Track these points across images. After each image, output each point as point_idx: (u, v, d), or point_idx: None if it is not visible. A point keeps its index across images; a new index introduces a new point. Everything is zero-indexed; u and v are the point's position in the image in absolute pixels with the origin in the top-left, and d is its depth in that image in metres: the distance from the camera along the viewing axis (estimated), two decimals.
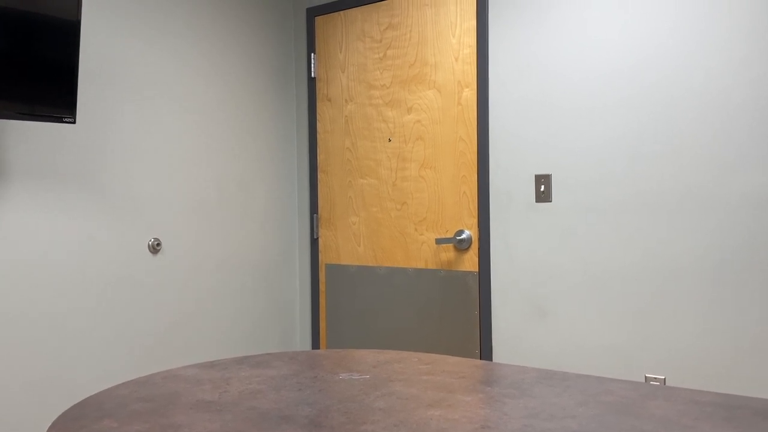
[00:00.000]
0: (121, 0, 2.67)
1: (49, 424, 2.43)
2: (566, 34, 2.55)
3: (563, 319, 2.57)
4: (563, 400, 1.30)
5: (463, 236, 2.82)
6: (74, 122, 2.26)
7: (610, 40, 2.46)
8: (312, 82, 3.34)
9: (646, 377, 2.40)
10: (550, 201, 2.60)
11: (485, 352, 2.78)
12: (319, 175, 3.33)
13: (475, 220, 2.81)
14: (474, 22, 2.78)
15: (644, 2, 2.38)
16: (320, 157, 3.33)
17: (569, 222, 2.55)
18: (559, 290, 2.58)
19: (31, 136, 2.40)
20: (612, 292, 2.46)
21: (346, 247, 3.23)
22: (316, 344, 3.36)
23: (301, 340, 3.41)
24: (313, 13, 3.32)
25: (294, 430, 1.11)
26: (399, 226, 3.04)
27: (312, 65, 3.33)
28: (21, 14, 2.08)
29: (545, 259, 2.61)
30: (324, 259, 3.32)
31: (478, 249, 2.80)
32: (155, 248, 2.77)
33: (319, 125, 3.33)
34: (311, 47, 3.34)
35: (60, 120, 2.23)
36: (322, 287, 3.32)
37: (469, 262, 2.83)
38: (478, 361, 1.61)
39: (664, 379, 2.36)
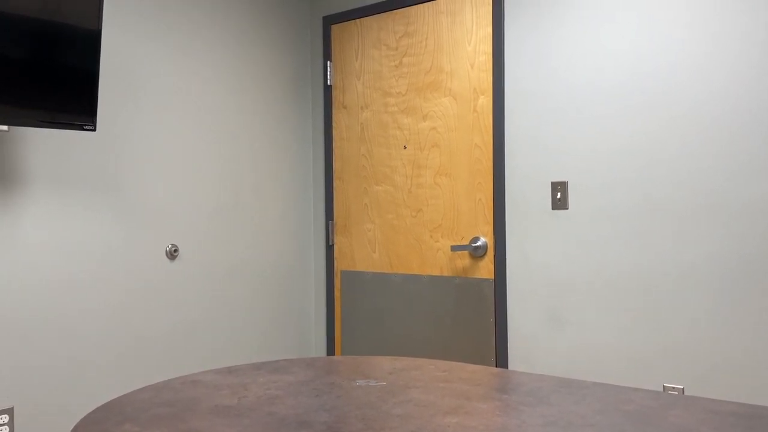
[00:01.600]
0: (141, 9, 2.70)
1: (70, 427, 2.46)
2: (582, 40, 2.55)
3: (580, 327, 2.56)
4: (581, 408, 1.29)
5: (479, 243, 2.82)
6: (94, 130, 2.29)
7: (625, 47, 2.45)
8: (328, 89, 3.36)
9: (664, 387, 2.38)
10: (567, 208, 2.59)
11: (501, 359, 2.77)
12: (335, 182, 3.35)
13: (491, 228, 2.80)
14: (490, 30, 2.79)
15: (659, 9, 2.37)
16: (336, 164, 3.34)
17: (586, 229, 2.55)
18: (576, 298, 2.57)
19: (52, 144, 2.44)
20: (629, 300, 2.45)
21: (361, 253, 3.24)
22: (331, 350, 3.36)
23: (316, 346, 3.42)
24: (329, 22, 3.35)
25: None
26: (414, 233, 3.05)
27: (328, 73, 3.35)
28: (43, 23, 2.12)
29: (562, 266, 2.60)
30: (339, 265, 3.33)
31: (494, 256, 2.79)
32: (173, 254, 2.80)
33: (334, 132, 3.34)
34: (327, 55, 3.36)
35: (81, 128, 2.26)
36: (337, 294, 3.33)
37: (485, 269, 2.82)
38: (495, 369, 1.61)
39: (683, 388, 2.34)
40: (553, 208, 2.63)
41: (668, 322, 2.36)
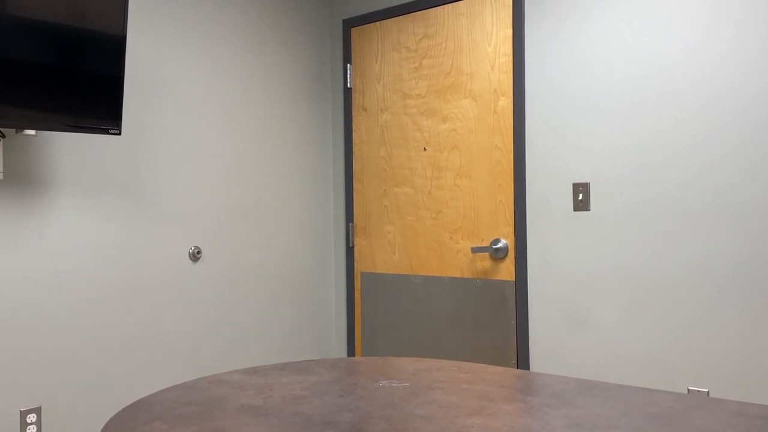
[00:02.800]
0: (164, 15, 2.74)
1: (96, 426, 2.49)
2: (602, 40, 2.54)
3: (602, 328, 2.54)
4: (605, 410, 1.29)
5: (500, 245, 2.82)
6: (120, 134, 2.33)
7: (645, 47, 2.44)
8: (348, 92, 3.38)
9: (688, 389, 2.36)
10: (589, 210, 2.58)
11: (522, 361, 2.76)
12: (355, 185, 3.36)
13: (512, 229, 2.80)
14: (510, 31, 2.79)
15: (678, 9, 2.36)
16: (356, 167, 3.36)
17: (608, 231, 2.53)
18: (598, 299, 2.56)
19: (78, 147, 2.48)
20: (652, 302, 2.43)
21: (381, 255, 3.25)
22: (351, 351, 3.38)
23: (337, 347, 3.44)
24: (349, 25, 3.37)
25: None
26: (434, 234, 3.05)
27: (348, 76, 3.37)
28: (69, 30, 2.16)
29: (583, 268, 2.59)
30: (359, 267, 3.34)
31: (515, 258, 2.79)
32: (195, 256, 2.83)
33: (354, 135, 3.36)
34: (347, 58, 3.38)
35: (106, 132, 2.30)
36: (357, 295, 3.35)
37: (506, 271, 2.82)
38: (518, 371, 1.61)
39: (707, 391, 2.32)
40: (574, 210, 2.62)
41: (692, 323, 2.34)
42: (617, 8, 2.51)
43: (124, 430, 1.13)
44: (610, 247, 2.52)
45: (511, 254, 2.80)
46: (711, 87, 2.30)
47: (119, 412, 1.23)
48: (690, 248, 2.35)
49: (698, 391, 2.34)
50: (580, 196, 2.59)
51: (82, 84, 2.22)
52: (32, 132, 2.29)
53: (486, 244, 2.88)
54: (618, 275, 2.51)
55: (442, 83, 3.02)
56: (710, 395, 2.32)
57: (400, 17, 3.16)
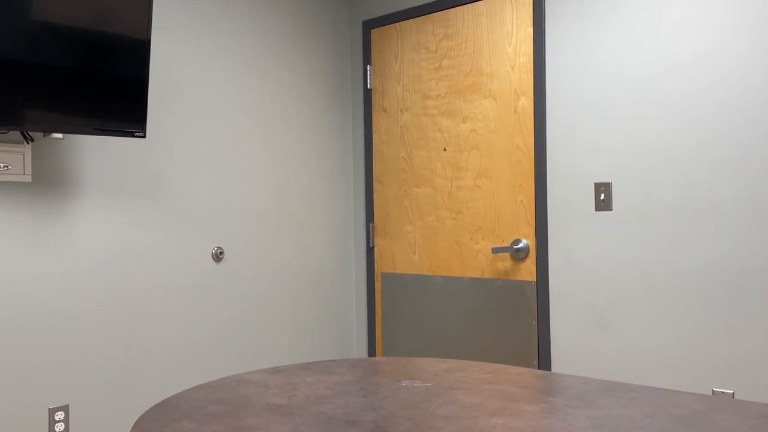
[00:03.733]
0: (186, 18, 2.78)
1: (122, 424, 2.54)
2: (623, 39, 2.53)
3: (625, 329, 2.53)
4: (629, 411, 1.29)
5: (520, 245, 2.81)
6: (144, 136, 2.37)
7: (667, 46, 2.42)
8: (368, 93, 3.40)
9: (713, 391, 2.34)
10: (611, 209, 2.57)
11: (543, 362, 2.76)
12: (375, 185, 3.38)
13: (533, 229, 2.79)
14: (530, 30, 2.78)
15: (701, 8, 2.34)
16: (376, 167, 3.37)
17: (630, 230, 2.52)
18: (621, 300, 2.54)
19: (104, 150, 2.52)
20: (676, 302, 2.41)
21: (401, 256, 3.26)
22: (372, 352, 3.39)
23: (358, 348, 3.45)
24: (369, 26, 3.38)
25: None
26: (454, 235, 3.05)
27: (368, 77, 3.39)
28: (95, 34, 2.20)
29: (606, 268, 2.58)
30: (380, 267, 3.36)
31: (536, 258, 2.78)
32: (218, 256, 2.87)
33: (374, 136, 3.38)
34: (367, 59, 3.39)
35: (131, 134, 2.34)
36: (377, 295, 3.36)
37: (527, 271, 2.81)
38: (540, 372, 1.61)
39: (733, 393, 2.30)
40: (596, 210, 2.61)
41: (717, 324, 2.32)
42: (640, 6, 2.49)
43: (155, 427, 1.15)
44: (633, 247, 2.51)
45: (532, 254, 2.80)
46: (731, 86, 2.28)
47: (148, 410, 1.26)
48: (714, 248, 2.33)
49: (723, 392, 2.32)
50: (602, 196, 2.58)
51: (107, 87, 2.25)
52: (59, 135, 2.34)
53: (507, 244, 2.87)
54: (641, 275, 2.49)
55: (462, 83, 3.02)
56: (735, 397, 2.30)
57: (420, 18, 3.17)
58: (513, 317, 2.85)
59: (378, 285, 3.36)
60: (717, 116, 2.32)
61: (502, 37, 2.88)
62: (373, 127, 3.38)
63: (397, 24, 3.27)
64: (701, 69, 2.35)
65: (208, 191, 2.85)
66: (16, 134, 2.28)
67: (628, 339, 2.52)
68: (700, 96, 2.35)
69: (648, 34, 2.47)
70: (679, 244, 2.40)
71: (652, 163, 2.46)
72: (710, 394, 2.35)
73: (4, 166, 2.24)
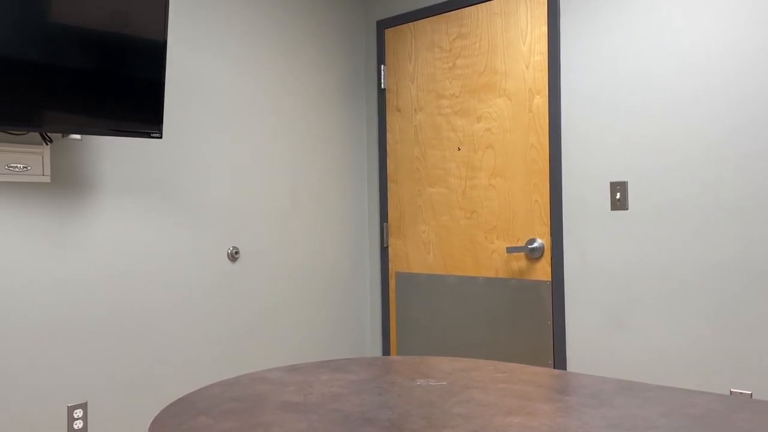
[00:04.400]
0: (202, 19, 2.80)
1: (140, 421, 2.56)
2: (638, 36, 2.51)
3: (641, 329, 2.52)
4: (645, 411, 1.28)
5: (535, 245, 2.81)
6: (161, 137, 2.39)
7: (683, 42, 2.40)
8: (382, 93, 3.40)
9: (731, 391, 2.32)
10: (627, 209, 2.55)
11: (559, 362, 2.75)
12: (389, 185, 3.38)
13: (548, 229, 2.79)
14: (545, 29, 2.78)
15: (717, 3, 2.32)
16: (390, 167, 3.38)
17: (647, 230, 2.50)
18: (637, 300, 2.53)
19: (121, 151, 2.55)
20: (693, 302, 2.39)
21: (415, 255, 3.27)
22: (386, 351, 3.40)
23: (372, 347, 3.46)
24: (383, 26, 3.39)
25: None
26: (469, 234, 3.05)
27: (382, 77, 3.39)
28: (112, 36, 2.22)
29: (622, 268, 2.57)
30: (394, 267, 3.36)
31: (551, 258, 2.77)
32: (234, 256, 2.89)
33: (389, 135, 3.38)
34: (381, 59, 3.40)
35: (148, 135, 2.36)
36: (392, 295, 3.37)
37: (542, 271, 2.81)
38: (556, 371, 1.61)
39: (751, 394, 2.28)
40: (612, 209, 2.59)
41: (735, 324, 2.30)
42: (655, 3, 2.47)
43: (173, 424, 1.17)
44: (650, 247, 2.49)
45: (547, 254, 2.79)
46: (747, 83, 2.26)
47: (166, 407, 1.28)
48: (732, 246, 2.31)
49: (741, 393, 2.30)
50: (618, 195, 2.57)
51: (124, 89, 2.28)
52: (78, 136, 2.37)
53: (521, 244, 2.87)
54: (658, 275, 2.48)
55: (476, 83, 3.02)
56: (753, 397, 2.28)
57: (434, 17, 3.17)
58: (528, 317, 2.85)
59: (392, 284, 3.37)
60: (733, 114, 2.30)
61: (517, 35, 2.87)
62: (387, 127, 3.39)
63: (411, 24, 3.27)
64: (717, 67, 2.33)
65: (223, 191, 2.87)
66: (35, 135, 2.31)
67: (644, 339, 2.50)
68: (716, 94, 2.34)
69: (663, 31, 2.46)
70: (696, 242, 2.38)
71: (669, 161, 2.45)
72: (728, 394, 2.33)
73: (23, 167, 2.28)
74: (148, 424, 2.58)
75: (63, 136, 2.36)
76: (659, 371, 2.47)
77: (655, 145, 2.48)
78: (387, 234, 3.39)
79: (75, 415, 2.39)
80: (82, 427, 2.40)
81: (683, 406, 1.31)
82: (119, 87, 2.26)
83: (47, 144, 2.34)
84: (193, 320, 2.75)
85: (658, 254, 2.47)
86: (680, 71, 2.42)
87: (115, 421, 2.50)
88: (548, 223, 2.78)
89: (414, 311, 3.26)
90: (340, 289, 3.34)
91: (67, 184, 2.40)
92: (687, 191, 2.40)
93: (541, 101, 2.79)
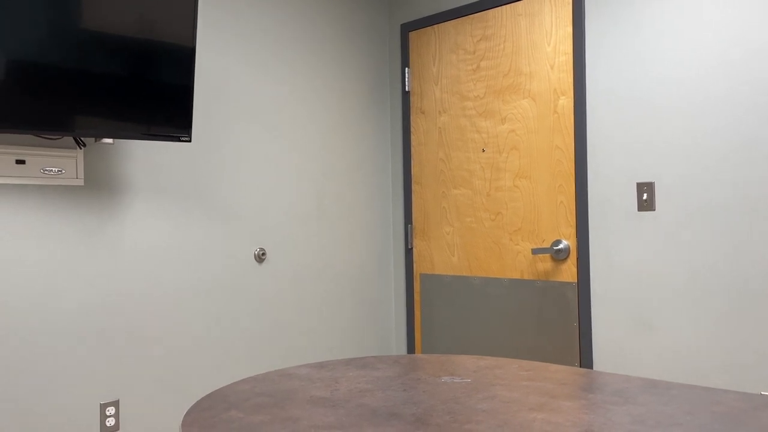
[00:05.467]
0: (230, 25, 2.86)
1: (170, 418, 2.62)
2: (664, 36, 2.50)
3: (669, 332, 2.50)
4: (669, 408, 1.29)
5: (561, 246, 2.80)
6: (190, 141, 2.44)
7: (708, 41, 2.39)
8: (406, 95, 3.43)
9: (762, 394, 2.29)
10: (654, 209, 2.54)
11: (585, 364, 2.74)
12: (413, 187, 3.40)
13: (573, 230, 2.78)
14: (570, 29, 2.78)
15: (743, 3, 2.30)
16: (414, 169, 3.40)
17: (675, 231, 2.49)
18: (665, 301, 2.51)
19: (151, 154, 2.61)
20: (721, 304, 2.37)
21: (440, 257, 3.28)
22: (411, 351, 3.42)
23: (397, 347, 3.48)
24: (407, 29, 3.42)
25: (403, 426, 1.17)
26: (493, 236, 3.06)
27: (406, 79, 3.42)
28: (142, 43, 2.28)
29: (649, 269, 2.55)
30: (418, 268, 3.38)
31: (577, 259, 2.77)
32: (261, 257, 2.93)
33: (413, 137, 3.40)
34: (405, 62, 3.42)
35: (177, 139, 2.42)
36: (416, 296, 3.38)
37: (567, 272, 2.80)
38: (580, 369, 1.62)
39: None
40: (638, 210, 2.58)
41: (764, 326, 2.28)
42: (679, 4, 2.46)
43: (205, 417, 1.20)
44: (678, 248, 2.48)
45: (573, 255, 2.78)
46: None
47: (198, 401, 1.31)
48: (762, 249, 2.28)
49: None
50: (645, 196, 2.56)
51: (154, 94, 2.33)
52: (110, 140, 2.43)
53: (547, 245, 2.87)
54: (686, 276, 2.46)
55: (500, 84, 3.03)
56: None
57: (458, 20, 3.19)
58: (553, 319, 2.84)
59: (417, 286, 3.38)
60: (763, 115, 2.28)
61: (541, 36, 2.88)
62: (412, 129, 3.41)
63: (434, 26, 3.29)
64: (747, 67, 2.31)
65: (250, 194, 2.92)
66: (69, 140, 2.38)
67: (672, 341, 2.49)
68: (746, 94, 2.31)
69: (692, 30, 2.44)
70: (725, 243, 2.36)
71: (697, 162, 2.43)
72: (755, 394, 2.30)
73: (58, 171, 2.35)
74: (177, 422, 2.63)
75: (96, 141, 2.42)
76: (688, 374, 2.45)
77: (682, 145, 2.47)
78: (411, 236, 3.41)
79: (107, 413, 2.45)
80: (114, 424, 2.46)
81: (707, 403, 1.31)
82: (150, 92, 2.32)
83: (81, 148, 2.41)
84: (221, 319, 2.80)
85: (687, 255, 2.45)
86: (709, 71, 2.40)
87: (145, 419, 2.56)
88: (574, 224, 2.78)
89: (439, 312, 3.28)
90: (365, 290, 3.37)
91: (99, 186, 2.47)
92: (716, 192, 2.39)
93: (567, 102, 2.79)
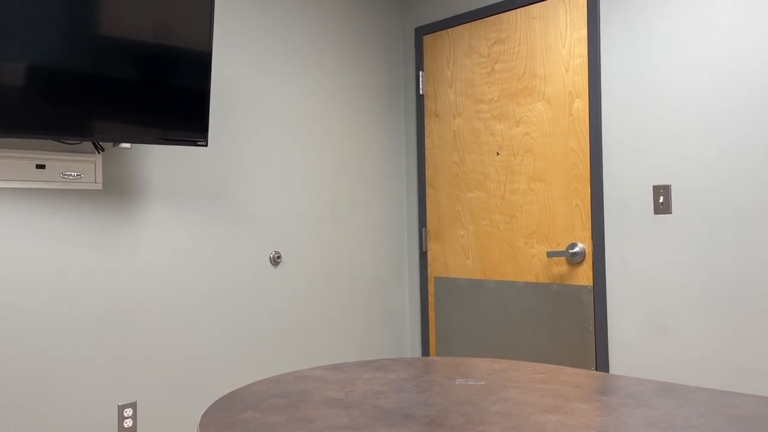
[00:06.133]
0: (243, 30, 2.89)
1: (187, 419, 2.64)
2: (680, 38, 2.49)
3: (686, 336, 2.48)
4: (684, 411, 1.28)
5: (576, 249, 2.79)
6: (206, 145, 2.47)
7: (725, 43, 2.37)
8: (420, 99, 3.44)
9: None
10: (670, 212, 2.53)
11: (601, 368, 2.72)
12: (428, 190, 3.41)
13: (589, 233, 2.77)
14: (585, 32, 2.77)
15: (758, 4, 2.28)
16: (428, 172, 3.41)
17: (692, 234, 2.47)
18: (682, 305, 2.50)
19: (168, 158, 2.65)
20: (739, 308, 2.35)
21: (454, 260, 3.28)
22: (425, 354, 3.42)
23: (412, 350, 3.49)
24: (421, 32, 3.43)
25: (417, 427, 1.18)
26: (508, 239, 3.06)
27: (420, 83, 3.43)
28: (159, 48, 2.31)
29: (666, 273, 2.54)
30: (433, 272, 3.38)
31: (593, 263, 2.76)
32: (276, 261, 2.95)
33: (427, 141, 3.41)
34: (419, 65, 3.44)
35: (194, 143, 2.45)
36: (431, 299, 3.39)
37: (583, 276, 2.79)
38: (594, 372, 1.61)
39: None
40: (655, 213, 2.57)
41: None
42: (696, 4, 2.45)
43: (222, 417, 1.22)
44: (695, 251, 2.46)
45: (589, 259, 2.77)
46: None
47: (215, 402, 1.33)
48: None
49: None
50: (661, 199, 2.54)
51: (171, 99, 2.36)
52: (127, 145, 2.46)
53: (562, 248, 2.86)
54: (704, 280, 2.44)
55: (515, 87, 3.03)
56: None
57: (472, 23, 3.20)
58: (569, 322, 2.83)
59: (431, 289, 3.39)
60: None
61: (556, 39, 2.88)
62: (426, 133, 3.42)
63: (449, 30, 3.30)
64: (764, 70, 2.29)
65: (266, 197, 2.94)
66: (88, 145, 2.42)
67: (690, 346, 2.47)
68: (763, 97, 2.30)
69: (708, 33, 2.43)
70: (743, 247, 2.34)
71: (714, 165, 2.42)
72: None
73: (77, 175, 2.39)
74: (194, 423, 2.66)
75: (114, 145, 2.46)
76: (705, 378, 2.43)
77: (699, 148, 2.45)
78: (426, 239, 3.42)
79: (125, 414, 2.48)
80: (132, 426, 2.49)
81: (723, 407, 1.30)
82: (166, 97, 2.35)
83: (99, 153, 2.45)
84: (237, 322, 2.82)
85: (705, 259, 2.44)
86: (726, 74, 2.39)
87: (162, 420, 2.58)
88: (589, 227, 2.77)
89: (453, 315, 3.28)
90: (379, 293, 3.38)
91: (117, 190, 2.50)
92: (733, 195, 2.37)
93: (581, 105, 2.79)
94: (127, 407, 2.49)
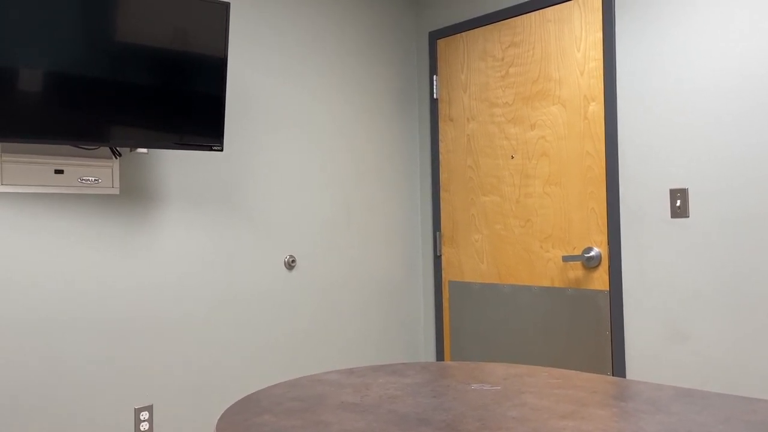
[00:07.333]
0: (258, 36, 2.90)
1: (202, 423, 2.66)
2: (696, 41, 2.47)
3: (705, 341, 2.46)
4: (703, 417, 1.27)
5: (592, 254, 2.78)
6: (222, 150, 2.49)
7: (741, 46, 2.35)
8: (434, 103, 3.44)
9: None
10: (688, 216, 2.50)
11: (618, 373, 2.70)
12: (442, 194, 3.41)
13: (605, 237, 2.75)
14: (600, 35, 2.76)
15: None
16: (443, 176, 3.40)
17: (710, 238, 2.45)
18: (700, 310, 2.47)
19: (184, 163, 2.67)
20: (758, 313, 2.32)
21: (469, 264, 3.27)
22: (440, 358, 3.41)
23: (426, 355, 3.48)
24: (435, 37, 3.43)
25: None
26: (523, 243, 3.04)
27: (434, 87, 3.43)
28: (175, 54, 2.33)
29: (683, 277, 2.51)
30: (447, 276, 3.38)
31: (609, 267, 2.74)
32: (290, 265, 2.96)
33: (441, 145, 3.41)
34: (433, 69, 3.44)
35: (209, 148, 2.46)
36: (445, 304, 3.38)
37: (599, 280, 2.77)
38: (611, 378, 1.60)
39: None
40: (672, 217, 2.55)
41: None
42: (713, 7, 2.43)
43: (239, 420, 1.22)
44: (713, 255, 2.44)
45: (605, 263, 2.75)
46: None
47: (232, 405, 1.34)
48: None
49: None
50: (678, 203, 2.52)
51: (187, 104, 2.38)
52: (144, 150, 2.49)
53: (578, 252, 2.84)
54: (722, 284, 2.41)
55: (529, 90, 3.02)
56: None
57: (486, 27, 3.19)
58: (585, 327, 2.81)
59: (446, 293, 3.38)
60: None
61: (571, 42, 2.86)
62: (440, 137, 3.42)
63: (463, 33, 3.30)
64: None
65: (281, 202, 2.96)
66: (105, 150, 2.44)
67: (708, 352, 2.44)
68: None
69: (725, 36, 2.41)
70: (761, 251, 2.32)
71: (732, 168, 2.39)
72: None
73: (95, 180, 2.41)
74: (210, 426, 2.67)
75: (131, 150, 2.48)
76: (723, 384, 2.40)
77: (717, 151, 2.43)
78: (440, 243, 3.41)
79: (141, 417, 2.50)
80: (148, 429, 2.51)
81: (743, 412, 1.29)
82: (182, 102, 2.37)
83: (116, 158, 2.47)
84: (252, 325, 2.84)
85: (723, 263, 2.41)
86: (743, 77, 2.36)
87: (178, 423, 2.60)
88: (605, 231, 2.75)
89: (468, 320, 3.27)
90: (394, 297, 3.38)
91: (134, 195, 2.53)
92: (752, 199, 2.34)
93: (597, 108, 2.77)
94: (144, 410, 2.50)
